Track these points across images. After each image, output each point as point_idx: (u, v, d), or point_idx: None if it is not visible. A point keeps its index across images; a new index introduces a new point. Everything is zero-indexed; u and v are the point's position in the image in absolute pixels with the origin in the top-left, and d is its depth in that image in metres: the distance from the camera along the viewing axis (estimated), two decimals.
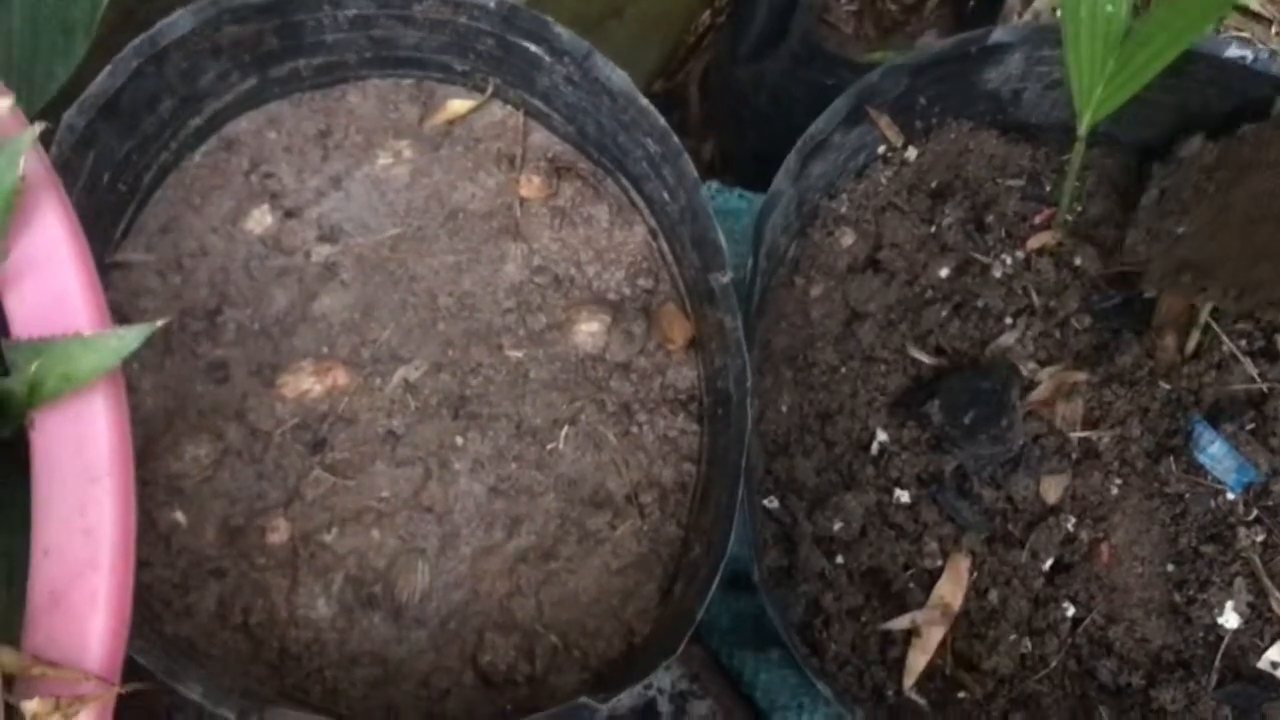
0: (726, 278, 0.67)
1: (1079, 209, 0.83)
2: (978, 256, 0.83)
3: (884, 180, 0.84)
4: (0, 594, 0.55)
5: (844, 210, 0.84)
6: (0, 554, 0.56)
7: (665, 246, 0.77)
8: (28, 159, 0.54)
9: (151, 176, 0.73)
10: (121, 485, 0.55)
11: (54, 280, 0.56)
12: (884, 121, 0.81)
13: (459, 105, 0.77)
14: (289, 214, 0.75)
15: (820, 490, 0.79)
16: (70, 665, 0.52)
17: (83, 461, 0.55)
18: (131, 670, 0.56)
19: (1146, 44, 0.68)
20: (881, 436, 0.80)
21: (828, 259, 0.83)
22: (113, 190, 0.69)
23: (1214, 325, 0.78)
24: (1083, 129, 0.73)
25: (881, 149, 0.84)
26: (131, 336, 0.54)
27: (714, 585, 0.63)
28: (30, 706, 0.50)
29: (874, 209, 0.84)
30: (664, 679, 0.86)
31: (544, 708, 0.63)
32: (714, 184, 1.02)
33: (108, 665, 0.53)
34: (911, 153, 0.85)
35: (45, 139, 0.57)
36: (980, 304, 0.81)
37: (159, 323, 0.54)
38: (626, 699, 0.85)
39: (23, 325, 0.56)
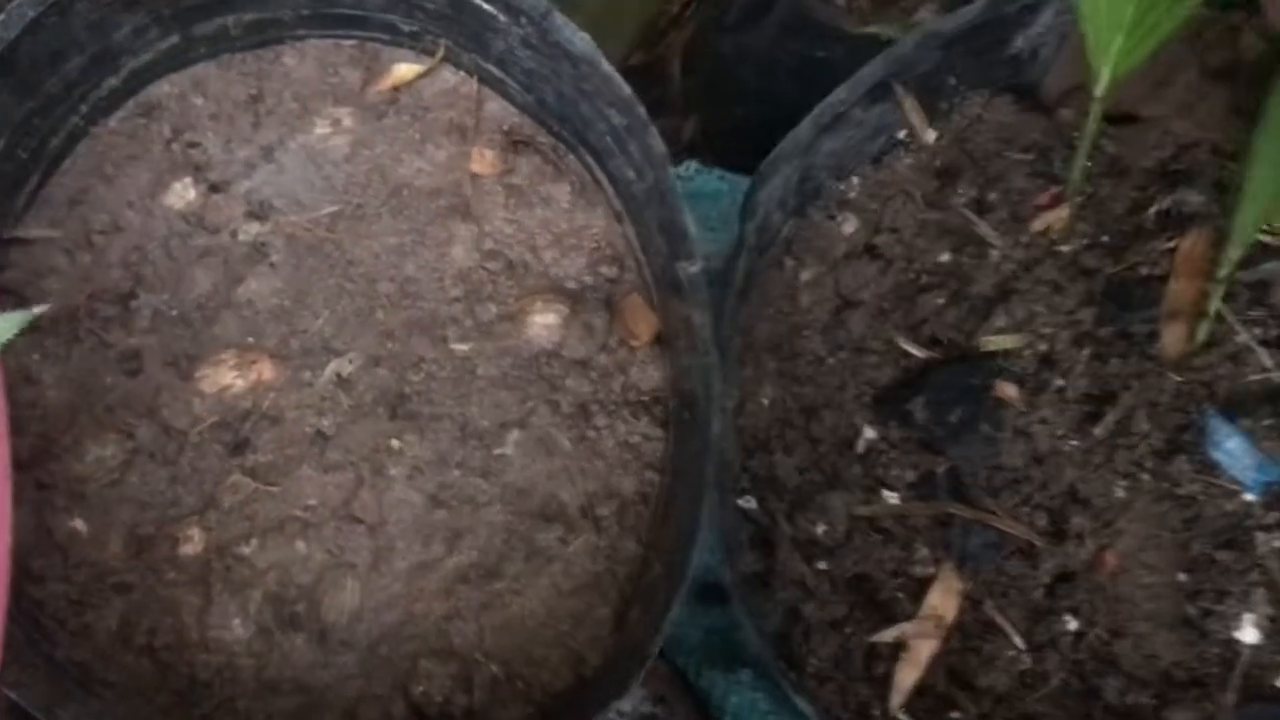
0: (695, 267, 0.61)
1: (1089, 190, 0.77)
2: (977, 239, 0.77)
3: (903, 169, 0.79)
4: None
5: (852, 195, 0.79)
6: None
7: (631, 231, 0.71)
8: None
9: (58, 143, 0.67)
10: None
11: None
12: (908, 103, 0.75)
13: (406, 70, 0.71)
14: (214, 188, 0.69)
15: (802, 490, 0.74)
16: None
17: None
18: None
19: None
20: (869, 434, 0.75)
21: (824, 244, 0.78)
22: (10, 157, 0.63)
23: (1226, 313, 0.72)
24: (1100, 89, 0.67)
25: (902, 133, 0.78)
26: (5, 326, 0.48)
27: (671, 612, 0.57)
28: None
29: (884, 198, 0.79)
30: (625, 702, 0.81)
31: None
32: (692, 164, 0.96)
33: None
34: (931, 135, 0.79)
35: None
36: (976, 291, 0.76)
37: (36, 310, 0.48)
38: None
39: None
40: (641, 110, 0.62)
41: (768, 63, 0.98)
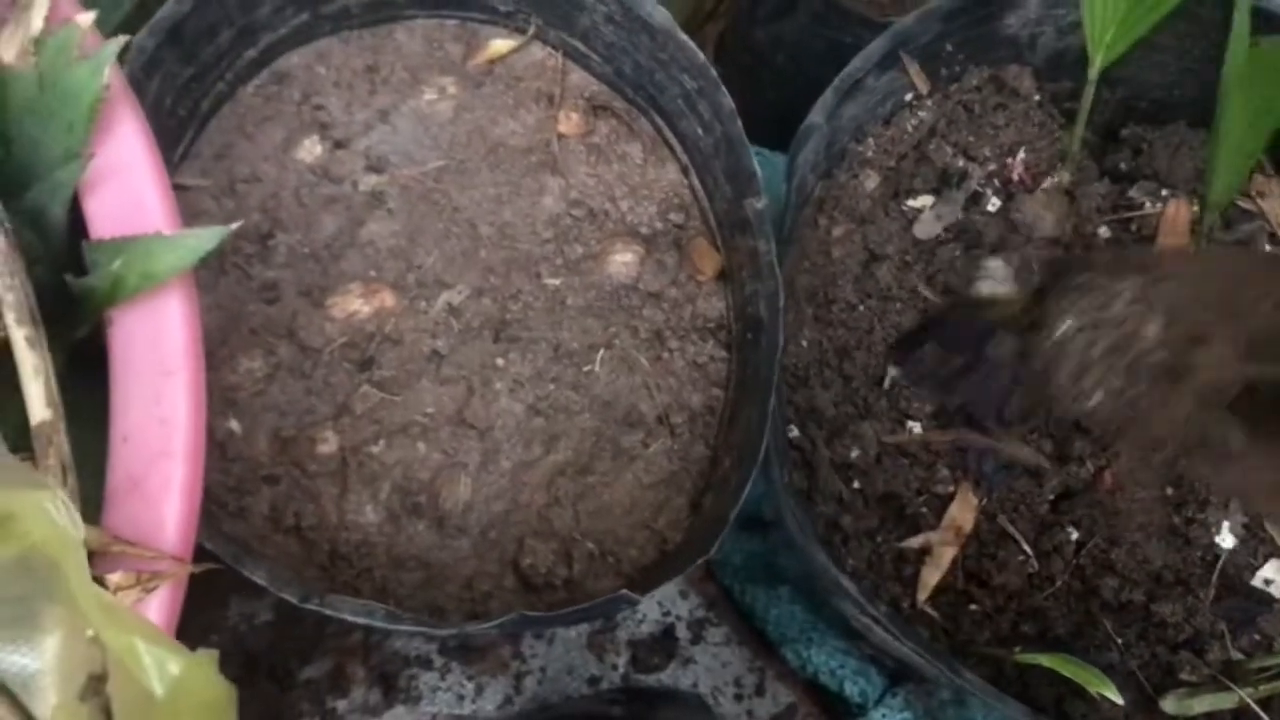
0: (761, 203, 0.71)
1: (1088, 151, 0.87)
2: (988, 198, 0.87)
3: (910, 127, 0.88)
4: (82, 482, 0.58)
5: (870, 154, 0.87)
6: (78, 445, 0.59)
7: (697, 182, 0.80)
8: (110, 71, 0.58)
9: (208, 104, 0.75)
10: (193, 379, 0.58)
11: (132, 186, 0.59)
12: (914, 69, 0.85)
13: (501, 45, 0.81)
14: (338, 144, 0.78)
15: (838, 420, 0.82)
16: (147, 545, 0.56)
17: (158, 355, 0.58)
18: (199, 554, 0.60)
19: None
20: (893, 372, 0.84)
21: (851, 201, 0.87)
22: (173, 115, 0.72)
23: None
24: (1094, 72, 0.77)
25: (909, 96, 0.87)
26: (208, 236, 0.57)
27: (745, 491, 0.67)
28: (114, 579, 0.53)
29: (898, 154, 0.88)
30: (682, 607, 0.90)
31: None
32: None
33: (181, 546, 0.57)
34: (936, 99, 0.88)
35: (118, 57, 0.60)
36: (987, 243, 0.85)
37: (234, 225, 0.58)
38: (647, 626, 0.89)
39: (102, 227, 0.59)
40: (713, 72, 0.72)
41: (799, 49, 1.07)
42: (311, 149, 0.77)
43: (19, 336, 0.54)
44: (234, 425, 0.71)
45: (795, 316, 0.84)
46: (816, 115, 0.78)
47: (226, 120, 0.77)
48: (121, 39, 0.58)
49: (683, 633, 0.89)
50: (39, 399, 0.53)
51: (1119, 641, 0.76)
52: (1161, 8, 0.72)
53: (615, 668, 0.87)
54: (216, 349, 0.72)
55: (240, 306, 0.74)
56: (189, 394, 0.58)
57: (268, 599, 0.84)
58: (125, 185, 0.59)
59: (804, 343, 0.84)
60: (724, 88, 0.72)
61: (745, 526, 0.91)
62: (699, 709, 0.85)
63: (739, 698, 0.88)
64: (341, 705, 0.84)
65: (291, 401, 0.72)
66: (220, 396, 0.71)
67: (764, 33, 1.10)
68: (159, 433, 0.58)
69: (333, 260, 0.75)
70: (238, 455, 0.70)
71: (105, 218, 0.59)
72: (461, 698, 0.85)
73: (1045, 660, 0.67)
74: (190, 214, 0.74)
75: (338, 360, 0.73)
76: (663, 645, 0.88)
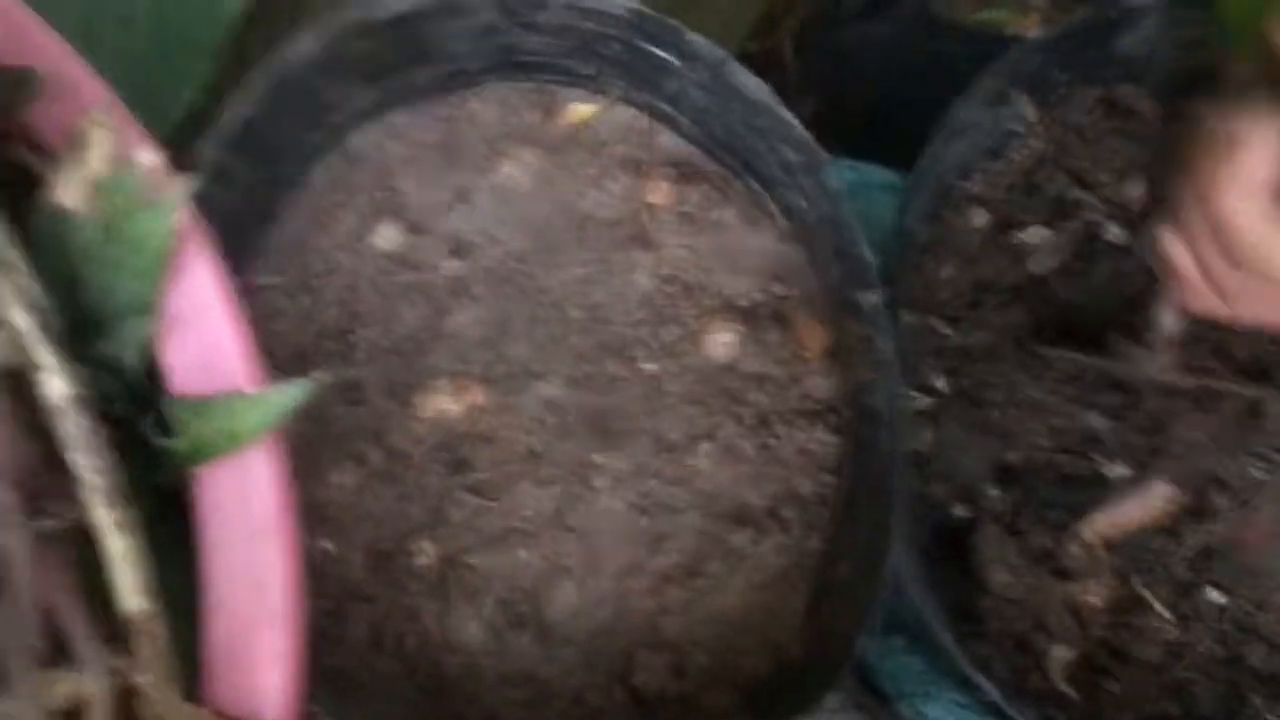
0: (876, 296, 0.66)
1: None
2: (1106, 227, 0.82)
3: (1018, 158, 0.83)
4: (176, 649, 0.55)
5: (977, 190, 0.83)
6: (166, 600, 0.56)
7: (799, 251, 0.75)
8: (181, 214, 0.54)
9: (278, 196, 0.72)
10: (287, 539, 0.56)
11: (208, 333, 0.56)
12: (1022, 100, 0.79)
13: (583, 109, 0.75)
14: (415, 228, 0.73)
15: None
16: (252, 718, 0.54)
17: (248, 518, 0.55)
18: None
19: None
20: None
21: (959, 240, 0.82)
22: (243, 216, 0.69)
23: None
24: None
25: (1018, 127, 0.82)
26: (294, 393, 0.54)
27: (874, 608, 0.63)
28: None
29: (1006, 186, 0.83)
30: None
31: None
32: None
33: (286, 714, 0.55)
34: (1045, 123, 0.83)
35: None
36: (1097, 283, 0.81)
37: (324, 378, 0.54)
38: None
39: (180, 377, 0.56)
40: (820, 152, 0.67)
41: (891, 53, 1.01)
42: (387, 235, 0.73)
43: (108, 521, 0.51)
44: (328, 544, 0.68)
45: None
46: (925, 163, 0.75)
47: (297, 210, 0.73)
48: (190, 180, 0.54)
49: None
50: (130, 586, 0.50)
51: None
52: None
53: None
54: (304, 462, 0.69)
55: (324, 410, 0.70)
56: (284, 556, 0.55)
57: None
58: (201, 333, 0.56)
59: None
60: (829, 167, 0.67)
61: None
62: None
63: None
64: None
65: (385, 511, 0.69)
66: (312, 514, 0.68)
67: (850, 34, 1.04)
68: (254, 599, 0.55)
69: (417, 354, 0.72)
70: (334, 576, 0.68)
71: (183, 367, 0.56)
72: None
73: None
74: (265, 314, 0.71)
75: (429, 463, 0.70)
76: None
